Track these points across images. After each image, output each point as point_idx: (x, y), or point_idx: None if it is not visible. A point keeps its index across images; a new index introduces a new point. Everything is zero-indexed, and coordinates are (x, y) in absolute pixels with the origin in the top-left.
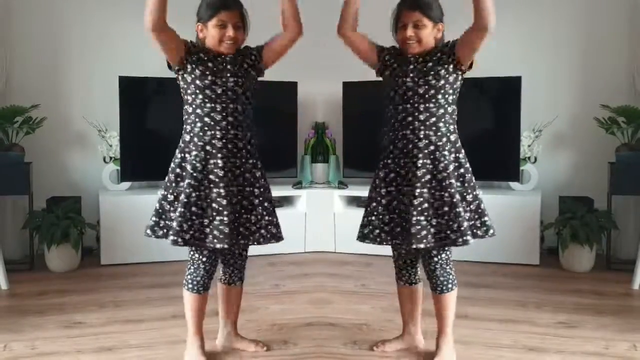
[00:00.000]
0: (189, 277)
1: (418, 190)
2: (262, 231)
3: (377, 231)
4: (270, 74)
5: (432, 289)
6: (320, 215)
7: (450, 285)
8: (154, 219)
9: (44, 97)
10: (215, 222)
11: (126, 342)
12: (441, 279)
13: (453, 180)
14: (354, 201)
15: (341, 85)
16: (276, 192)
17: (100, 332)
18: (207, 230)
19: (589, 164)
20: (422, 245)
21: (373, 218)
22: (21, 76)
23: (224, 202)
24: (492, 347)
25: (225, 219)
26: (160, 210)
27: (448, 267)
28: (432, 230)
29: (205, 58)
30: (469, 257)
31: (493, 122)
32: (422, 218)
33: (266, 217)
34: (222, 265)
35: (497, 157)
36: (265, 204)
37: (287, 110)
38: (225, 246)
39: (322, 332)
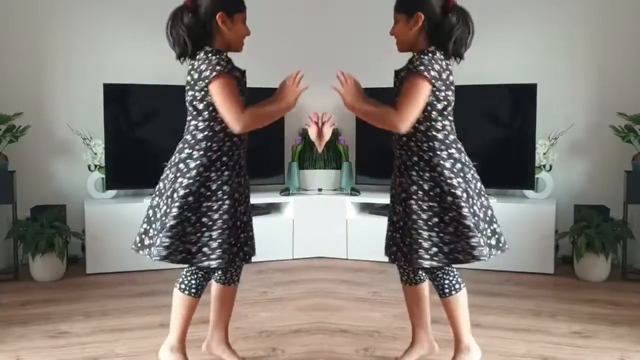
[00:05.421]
0: (183, 276)
1: (396, 208)
2: (254, 244)
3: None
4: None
5: (439, 293)
6: (315, 222)
7: (457, 286)
8: (172, 241)
9: (28, 105)
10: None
11: (113, 352)
12: (444, 281)
13: (412, 202)
14: (366, 208)
15: None
16: (263, 199)
17: (86, 341)
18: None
19: (604, 172)
20: (391, 260)
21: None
22: (4, 84)
23: (245, 219)
24: (506, 356)
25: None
26: (180, 233)
27: (448, 268)
28: (399, 245)
29: (240, 77)
30: (483, 266)
31: (508, 129)
32: (398, 235)
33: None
34: None
35: (512, 165)
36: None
37: None
38: (244, 262)
39: (324, 339)
